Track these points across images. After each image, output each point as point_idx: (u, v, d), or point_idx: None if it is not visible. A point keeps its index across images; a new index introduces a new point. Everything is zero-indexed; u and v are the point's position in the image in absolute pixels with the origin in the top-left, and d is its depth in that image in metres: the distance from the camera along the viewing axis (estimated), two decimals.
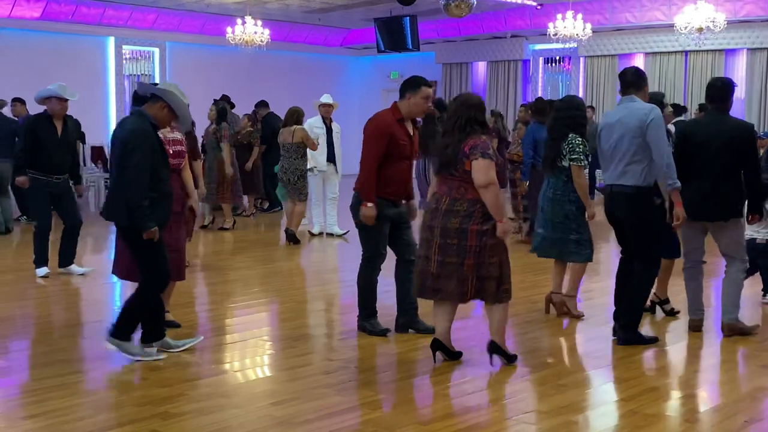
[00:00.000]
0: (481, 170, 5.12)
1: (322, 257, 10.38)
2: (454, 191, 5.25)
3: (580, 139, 6.56)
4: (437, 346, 5.47)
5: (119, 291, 7.99)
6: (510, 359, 5.43)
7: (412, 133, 6.08)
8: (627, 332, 5.96)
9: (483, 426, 4.41)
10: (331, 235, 11.27)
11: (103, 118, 18.04)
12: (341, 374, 5.22)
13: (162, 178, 5.33)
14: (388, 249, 6.25)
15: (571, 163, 6.53)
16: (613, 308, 6.19)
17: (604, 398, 4.92)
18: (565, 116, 6.67)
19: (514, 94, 20.02)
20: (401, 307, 6.29)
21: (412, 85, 5.96)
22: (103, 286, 8.09)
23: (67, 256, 8.44)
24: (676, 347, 6.07)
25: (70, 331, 6.53)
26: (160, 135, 5.62)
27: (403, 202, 6.20)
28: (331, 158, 11.09)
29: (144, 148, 5.22)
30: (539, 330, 6.43)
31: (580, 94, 18.79)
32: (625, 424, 4.49)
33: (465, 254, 5.19)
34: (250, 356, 5.80)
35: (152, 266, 5.39)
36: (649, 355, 5.81)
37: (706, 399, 4.98)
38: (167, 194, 5.43)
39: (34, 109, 10.92)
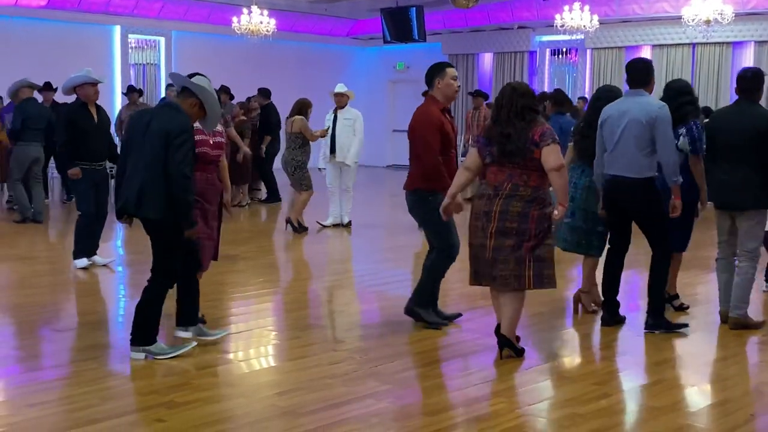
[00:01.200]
0: (554, 154, 5.21)
1: (332, 248, 10.37)
2: (516, 178, 5.29)
3: None
4: (505, 342, 5.44)
5: (129, 281, 8.01)
6: (518, 353, 5.43)
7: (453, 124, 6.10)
8: (655, 318, 6.03)
9: (489, 417, 4.40)
10: (343, 225, 11.23)
11: (108, 106, 17.86)
12: (347, 365, 5.22)
13: (191, 175, 5.25)
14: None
15: None
16: (606, 303, 6.22)
17: (609, 391, 4.91)
18: (604, 105, 6.56)
19: None
20: (415, 295, 6.27)
21: (437, 70, 6.04)
22: (116, 276, 8.09)
23: (92, 247, 8.32)
24: (682, 341, 6.05)
25: (78, 320, 6.53)
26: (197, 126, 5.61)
27: None
28: (332, 150, 11.01)
29: (192, 142, 5.16)
30: (545, 322, 6.42)
31: (587, 87, 18.76)
32: (630, 417, 4.49)
33: (523, 237, 5.26)
34: (255, 346, 5.80)
35: (171, 262, 5.29)
36: (654, 348, 5.80)
37: (711, 392, 4.97)
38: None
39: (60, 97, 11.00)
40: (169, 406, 4.44)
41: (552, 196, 5.38)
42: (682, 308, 6.81)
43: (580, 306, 6.68)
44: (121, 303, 7.34)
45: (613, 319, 6.25)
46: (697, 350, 5.93)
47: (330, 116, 11.07)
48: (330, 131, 10.98)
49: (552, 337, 6.06)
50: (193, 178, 5.27)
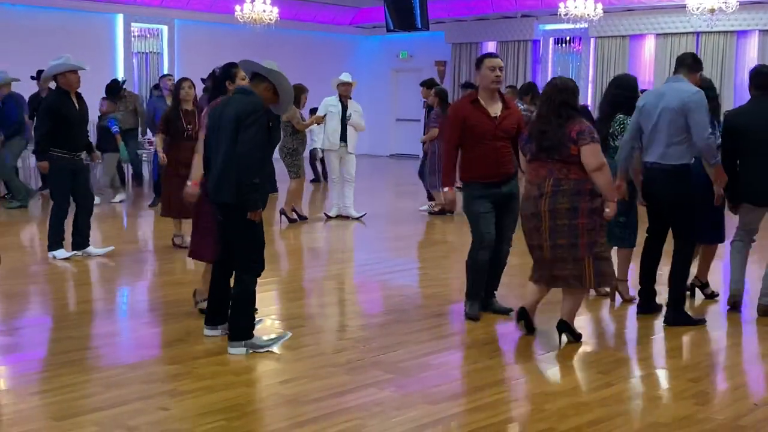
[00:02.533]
0: (594, 154, 5.23)
1: (335, 238, 10.35)
2: (556, 172, 5.31)
3: (621, 117, 6.38)
4: (522, 315, 5.63)
5: (130, 269, 8.01)
6: (576, 337, 5.54)
7: (497, 114, 5.97)
8: (675, 312, 6.01)
9: (491, 406, 4.40)
10: (347, 217, 11.14)
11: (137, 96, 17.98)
12: (350, 353, 5.23)
13: (267, 158, 5.21)
14: None
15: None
16: (642, 291, 6.26)
17: (612, 379, 4.91)
18: (615, 94, 6.51)
19: (524, 75, 19.90)
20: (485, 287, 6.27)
21: (477, 61, 6.16)
22: (116, 265, 8.08)
23: (84, 238, 8.24)
24: (687, 330, 6.04)
25: (80, 308, 6.54)
26: None
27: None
28: (344, 138, 10.88)
29: (260, 123, 5.06)
30: (549, 311, 6.40)
31: (590, 76, 18.71)
32: (631, 406, 4.49)
33: (577, 233, 5.27)
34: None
35: (254, 251, 5.22)
36: (660, 336, 5.80)
37: (715, 382, 4.97)
38: (269, 175, 5.35)
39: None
40: (172, 394, 4.45)
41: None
42: (712, 296, 6.84)
43: (617, 295, 6.70)
44: (124, 291, 7.34)
45: (649, 307, 6.26)
46: (701, 339, 5.92)
47: (334, 105, 10.90)
48: (340, 119, 10.82)
49: (555, 327, 6.05)
50: (264, 160, 5.22)
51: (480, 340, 5.63)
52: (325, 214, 11.30)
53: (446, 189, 6.08)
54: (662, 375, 5.03)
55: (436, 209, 11.59)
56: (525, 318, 5.63)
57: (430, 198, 11.94)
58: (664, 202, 5.98)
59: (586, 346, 5.56)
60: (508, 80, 19.97)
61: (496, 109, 5.99)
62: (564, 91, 5.37)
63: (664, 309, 6.10)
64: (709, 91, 6.26)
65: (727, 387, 4.84)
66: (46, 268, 7.82)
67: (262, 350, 5.21)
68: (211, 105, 5.68)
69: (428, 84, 12.65)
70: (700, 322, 6.08)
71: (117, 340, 5.68)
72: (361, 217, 11.09)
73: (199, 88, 9.40)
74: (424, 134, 12.14)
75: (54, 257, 8.03)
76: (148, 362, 5.08)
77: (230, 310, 5.28)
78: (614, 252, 6.42)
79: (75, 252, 8.15)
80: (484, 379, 4.86)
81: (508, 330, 5.88)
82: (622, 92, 6.52)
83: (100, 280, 7.63)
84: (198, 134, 8.76)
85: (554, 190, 5.29)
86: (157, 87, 14.58)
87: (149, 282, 7.56)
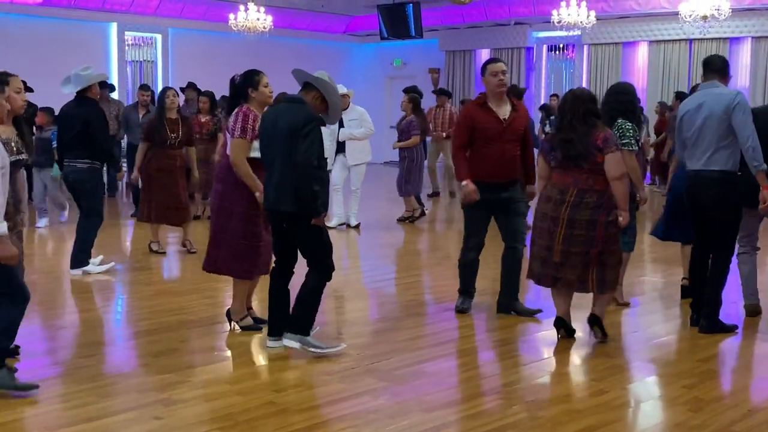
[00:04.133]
0: (617, 162, 5.37)
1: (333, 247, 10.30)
2: (581, 182, 5.40)
3: (629, 124, 6.31)
4: (561, 323, 5.72)
5: (121, 278, 8.00)
6: (605, 335, 5.63)
7: (506, 116, 6.14)
8: (710, 321, 6.00)
9: (486, 414, 4.40)
10: (350, 227, 10.98)
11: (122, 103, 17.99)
12: (344, 361, 5.22)
13: (323, 165, 5.23)
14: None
15: (622, 147, 6.37)
16: (695, 304, 6.21)
17: (606, 387, 4.91)
18: (614, 101, 6.49)
19: (518, 82, 19.93)
20: (504, 289, 6.45)
21: (482, 67, 6.28)
22: (112, 275, 8.06)
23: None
24: (680, 337, 6.06)
25: (73, 318, 6.53)
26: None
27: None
28: (341, 150, 10.71)
29: (316, 132, 5.12)
30: (542, 317, 6.41)
31: (584, 83, 18.76)
32: (626, 413, 4.48)
33: (592, 244, 5.40)
34: (252, 343, 5.79)
35: (324, 253, 5.30)
36: (653, 344, 5.80)
37: (709, 388, 4.97)
38: (326, 182, 5.39)
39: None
40: (166, 403, 4.43)
41: None
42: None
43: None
44: (118, 301, 7.33)
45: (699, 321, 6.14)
46: (695, 346, 5.93)
47: None
48: (337, 131, 10.58)
49: (549, 333, 6.05)
50: (322, 168, 5.23)
51: (474, 348, 5.63)
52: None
53: (465, 182, 6.14)
54: (656, 382, 5.04)
55: (406, 215, 11.68)
56: (564, 326, 5.71)
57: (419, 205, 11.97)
58: (710, 208, 5.95)
59: (581, 353, 5.56)
60: None
61: (504, 112, 6.15)
62: (587, 100, 5.49)
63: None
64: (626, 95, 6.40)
65: (721, 393, 4.84)
66: (36, 278, 7.79)
67: (313, 350, 5.23)
68: (235, 112, 5.67)
69: (445, 93, 12.77)
70: (733, 328, 6.06)
71: (110, 349, 5.67)
72: (357, 226, 11.01)
73: (181, 98, 9.48)
74: (398, 140, 11.99)
75: (87, 272, 7.83)
76: (142, 371, 5.07)
77: (295, 305, 5.32)
78: None
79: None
80: (479, 386, 4.86)
81: (501, 337, 5.88)
82: (622, 98, 6.51)
83: (91, 289, 7.61)
84: (181, 143, 8.87)
85: (577, 201, 5.40)
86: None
87: (141, 291, 7.54)
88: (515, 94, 11.76)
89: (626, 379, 5.10)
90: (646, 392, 4.86)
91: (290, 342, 5.26)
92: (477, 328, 6.07)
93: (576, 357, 5.51)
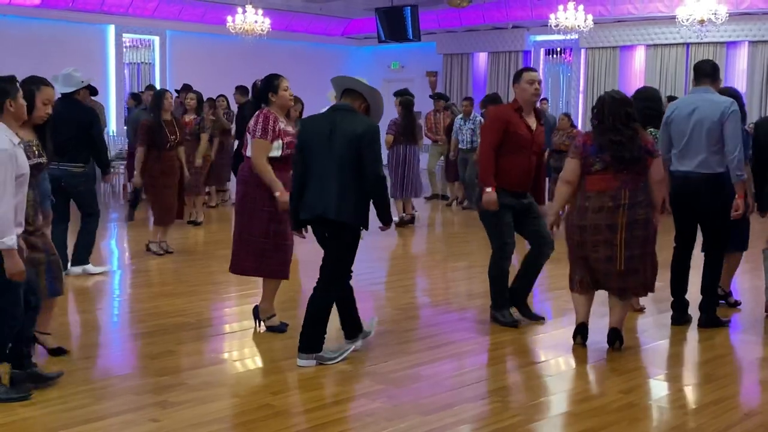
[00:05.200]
0: (661, 166, 5.46)
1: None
2: (631, 184, 5.40)
3: (652, 130, 6.37)
4: (582, 331, 5.67)
5: (118, 280, 7.99)
6: (622, 341, 5.62)
7: (533, 127, 6.09)
8: (708, 316, 6.18)
9: (482, 417, 4.40)
10: None
11: (104, 106, 17.97)
12: (341, 364, 5.21)
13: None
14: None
15: None
16: (675, 302, 6.33)
17: (601, 390, 4.92)
18: (644, 107, 6.40)
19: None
20: (512, 294, 6.32)
21: (516, 75, 6.21)
22: (108, 277, 8.05)
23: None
24: (677, 340, 6.06)
25: (69, 319, 6.51)
26: (283, 126, 5.64)
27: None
28: None
29: (379, 141, 5.18)
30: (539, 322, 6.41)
31: (581, 86, 18.81)
32: (623, 416, 4.48)
33: (647, 243, 5.45)
34: (249, 346, 5.79)
35: (345, 269, 5.28)
36: (648, 347, 5.81)
37: (705, 391, 4.97)
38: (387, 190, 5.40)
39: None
40: (163, 405, 4.43)
41: None
42: (736, 305, 6.90)
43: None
44: (114, 303, 7.32)
45: (683, 318, 6.31)
46: (691, 349, 5.94)
47: None
48: None
49: (546, 336, 6.06)
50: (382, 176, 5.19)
51: (471, 351, 5.63)
52: None
53: (488, 189, 5.97)
54: (653, 385, 5.04)
55: (396, 219, 11.67)
56: (583, 332, 5.67)
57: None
58: (702, 209, 6.06)
59: (577, 357, 5.56)
60: (500, 91, 20.05)
61: (532, 123, 6.11)
62: (626, 103, 5.47)
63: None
64: (738, 99, 6.33)
65: (718, 396, 4.84)
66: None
67: (329, 362, 5.16)
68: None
69: (442, 98, 12.75)
70: (727, 323, 6.29)
71: (107, 351, 5.66)
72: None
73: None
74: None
75: (86, 271, 7.80)
76: (139, 374, 5.06)
77: (306, 322, 5.20)
78: None
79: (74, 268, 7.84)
80: (476, 389, 4.86)
81: (498, 340, 5.88)
82: (651, 104, 6.50)
83: (88, 291, 7.60)
84: (178, 144, 8.87)
85: (632, 202, 5.39)
86: (136, 97, 14.49)
87: (138, 293, 7.54)
88: (491, 101, 11.95)
89: (623, 382, 5.10)
90: (643, 395, 4.86)
91: (305, 362, 5.13)
92: (474, 331, 6.06)
93: (572, 361, 5.51)
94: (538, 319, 6.30)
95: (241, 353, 5.63)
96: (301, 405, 4.49)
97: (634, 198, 5.39)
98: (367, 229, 5.22)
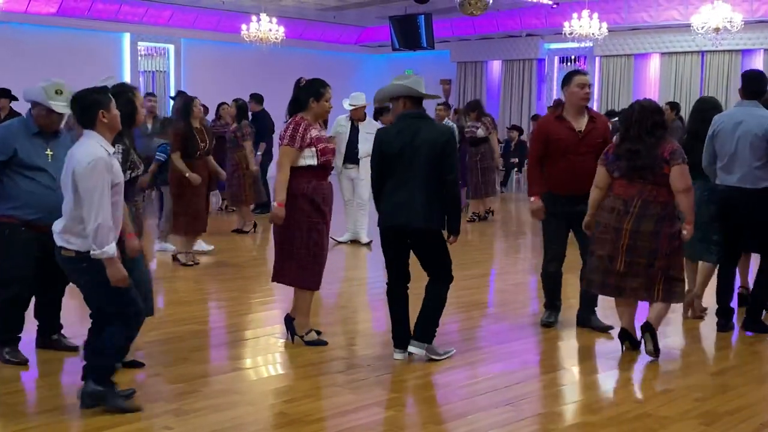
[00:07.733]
0: (683, 175, 5.39)
1: (337, 256, 10.23)
2: (645, 194, 5.43)
3: None
4: (626, 336, 5.71)
5: None
6: (657, 351, 5.59)
7: (582, 128, 6.11)
8: (753, 319, 6.32)
9: (497, 426, 4.38)
10: (362, 244, 10.56)
11: None
12: (355, 372, 5.21)
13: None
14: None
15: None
16: (722, 310, 6.40)
17: (618, 400, 4.89)
18: (709, 116, 6.44)
19: (529, 94, 19.97)
20: (582, 301, 6.40)
21: (565, 77, 6.31)
22: None
23: None
24: (694, 349, 6.02)
25: (80, 326, 6.53)
26: (316, 134, 5.63)
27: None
28: (353, 160, 10.27)
29: (456, 148, 5.35)
30: (553, 330, 6.38)
31: (595, 94, 18.73)
32: (638, 426, 4.46)
33: (656, 256, 5.43)
34: (263, 353, 5.79)
35: (448, 263, 5.43)
36: (665, 356, 5.77)
37: (722, 401, 4.94)
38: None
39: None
40: (176, 413, 4.43)
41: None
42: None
43: (690, 310, 6.75)
44: None
45: (729, 326, 6.37)
46: (708, 359, 5.90)
47: (343, 125, 10.28)
48: (347, 140, 10.24)
49: (561, 345, 6.04)
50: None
51: (484, 359, 5.61)
52: (332, 238, 9.87)
53: (533, 198, 6.19)
54: (668, 395, 5.01)
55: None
56: (629, 338, 5.70)
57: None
58: (748, 222, 6.14)
59: (593, 365, 5.54)
60: (514, 99, 20.06)
61: (581, 124, 6.13)
62: (655, 112, 5.50)
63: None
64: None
65: (734, 407, 4.81)
66: None
67: (437, 357, 5.40)
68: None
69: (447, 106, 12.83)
70: None
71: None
72: (369, 243, 10.47)
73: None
74: None
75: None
76: (152, 381, 5.07)
77: (422, 314, 5.44)
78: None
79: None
80: (489, 398, 4.84)
81: (513, 349, 5.86)
82: (716, 113, 6.49)
83: None
84: (208, 152, 8.86)
85: (641, 213, 5.42)
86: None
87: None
88: (472, 108, 12.04)
89: (638, 391, 5.08)
90: (658, 406, 4.83)
91: (416, 349, 5.40)
92: (487, 339, 6.05)
93: (587, 370, 5.48)
94: (607, 329, 6.24)
95: (254, 361, 5.63)
96: (314, 413, 4.49)
97: (644, 209, 5.41)
98: (458, 233, 5.39)
